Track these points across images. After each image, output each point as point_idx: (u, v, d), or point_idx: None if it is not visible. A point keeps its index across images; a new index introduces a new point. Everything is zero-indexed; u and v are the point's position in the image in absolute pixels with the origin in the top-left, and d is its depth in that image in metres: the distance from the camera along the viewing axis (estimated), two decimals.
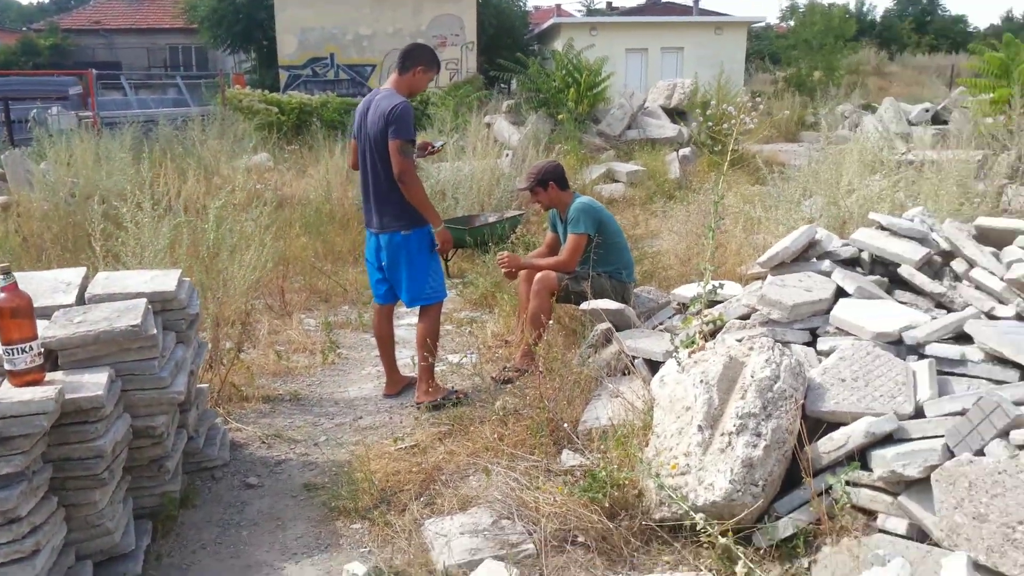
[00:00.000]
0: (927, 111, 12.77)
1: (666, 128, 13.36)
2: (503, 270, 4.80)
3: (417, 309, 4.29)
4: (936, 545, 2.49)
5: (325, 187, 9.15)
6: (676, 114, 14.53)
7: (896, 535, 2.61)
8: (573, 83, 13.36)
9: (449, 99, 14.22)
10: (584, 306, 4.38)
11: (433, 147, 4.55)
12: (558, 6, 38.74)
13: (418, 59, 4.09)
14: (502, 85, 22.02)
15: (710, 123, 11.65)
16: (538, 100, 13.68)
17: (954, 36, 41.58)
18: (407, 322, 5.48)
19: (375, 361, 4.79)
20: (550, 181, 4.73)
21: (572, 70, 13.51)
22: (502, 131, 12.37)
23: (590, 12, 39.16)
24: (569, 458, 3.34)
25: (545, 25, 27.71)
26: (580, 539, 2.86)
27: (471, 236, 7.04)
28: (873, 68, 30.24)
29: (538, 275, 4.49)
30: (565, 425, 3.46)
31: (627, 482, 2.97)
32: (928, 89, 21.73)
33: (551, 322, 4.43)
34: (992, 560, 2.32)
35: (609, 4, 41.59)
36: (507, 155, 9.87)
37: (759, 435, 2.74)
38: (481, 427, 3.76)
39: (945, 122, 11.90)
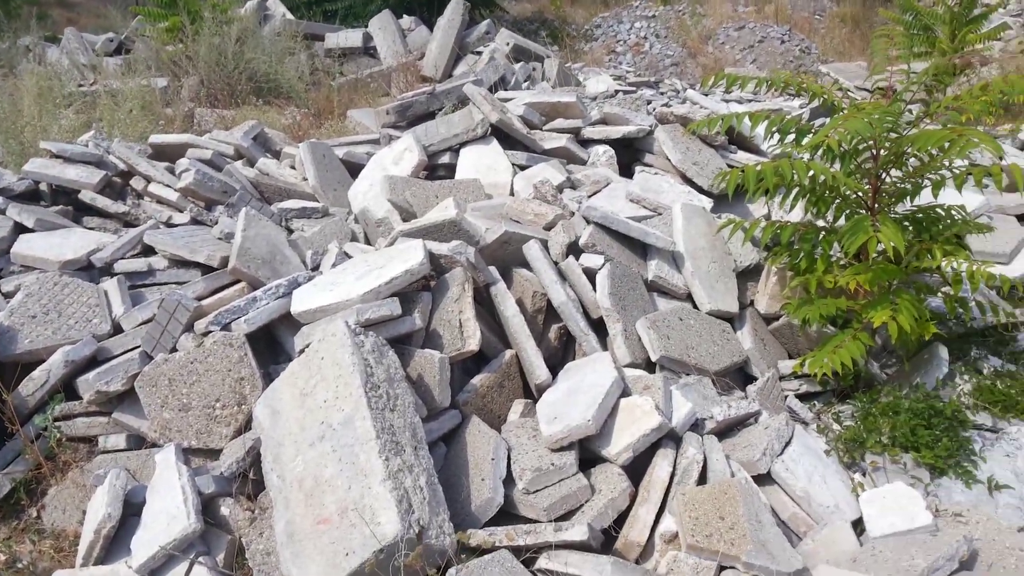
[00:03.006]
0: (111, 41, 12.64)
1: None
2: None
3: None
4: (155, 445, 2.63)
5: None
6: None
7: (118, 450, 2.66)
8: None
9: None
10: None
11: None
12: None
13: None
14: None
15: None
16: None
17: None
18: None
19: None
20: None
21: None
22: None
23: None
24: None
25: None
26: None
27: None
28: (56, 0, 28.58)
29: None
30: None
31: None
32: (113, 20, 21.56)
33: None
34: (202, 440, 2.55)
35: None
36: None
37: None
38: None
39: (130, 51, 11.96)
